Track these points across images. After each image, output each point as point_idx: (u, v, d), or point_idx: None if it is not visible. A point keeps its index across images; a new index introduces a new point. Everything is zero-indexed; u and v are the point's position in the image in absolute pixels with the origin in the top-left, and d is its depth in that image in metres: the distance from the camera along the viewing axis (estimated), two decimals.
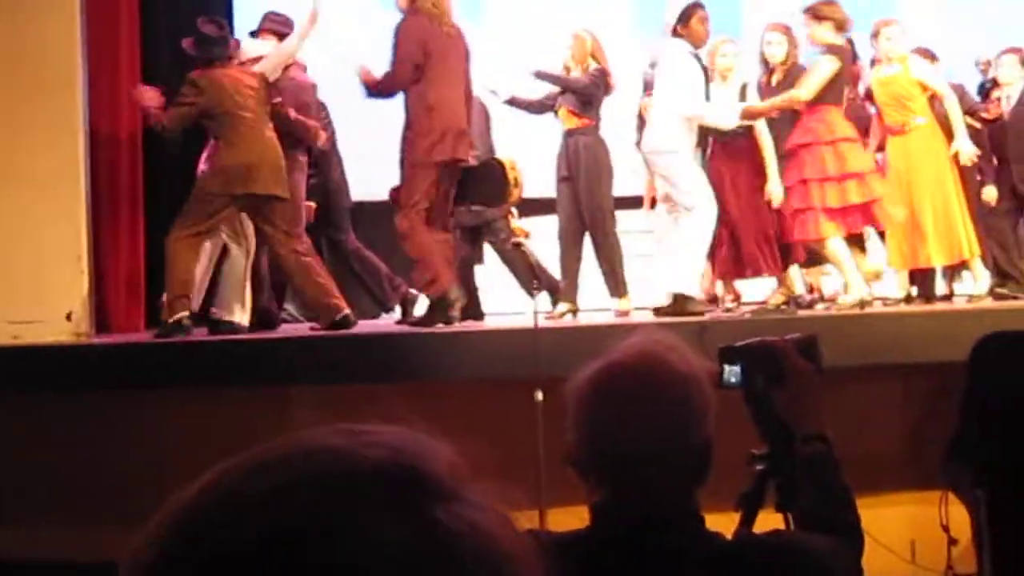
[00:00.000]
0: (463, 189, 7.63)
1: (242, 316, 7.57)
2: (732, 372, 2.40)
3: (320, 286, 7.33)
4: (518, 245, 6.23)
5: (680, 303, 7.40)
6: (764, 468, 2.45)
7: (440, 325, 7.17)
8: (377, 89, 7.42)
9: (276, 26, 8.18)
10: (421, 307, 7.75)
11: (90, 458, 6.47)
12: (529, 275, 6.11)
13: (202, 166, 7.59)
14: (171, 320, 6.99)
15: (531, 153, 8.33)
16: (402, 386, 6.49)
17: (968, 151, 8.19)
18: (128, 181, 8.33)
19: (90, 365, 6.66)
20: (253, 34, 8.22)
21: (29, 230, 7.15)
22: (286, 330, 7.91)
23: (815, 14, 7.77)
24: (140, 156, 8.41)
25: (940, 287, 8.84)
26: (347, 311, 7.28)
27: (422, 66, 7.25)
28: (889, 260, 8.40)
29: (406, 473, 0.82)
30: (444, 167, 7.34)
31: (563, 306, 7.93)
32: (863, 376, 6.50)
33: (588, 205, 8.10)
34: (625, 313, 7.99)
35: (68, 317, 7.11)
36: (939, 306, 8.31)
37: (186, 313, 7.03)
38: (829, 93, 7.67)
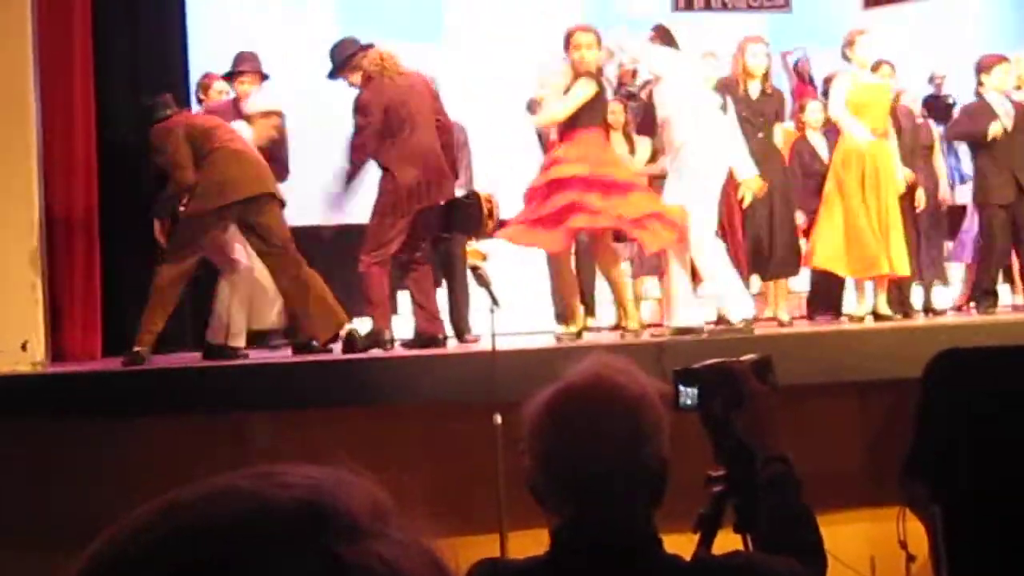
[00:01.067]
0: (442, 220, 7.79)
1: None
2: (688, 394, 2.41)
3: (321, 302, 7.38)
4: (475, 268, 6.24)
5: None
6: (722, 489, 2.46)
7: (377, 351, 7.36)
8: (352, 164, 7.60)
9: (255, 67, 8.31)
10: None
11: (45, 488, 6.41)
12: (489, 298, 6.13)
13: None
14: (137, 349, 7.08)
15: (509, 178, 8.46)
16: (361, 410, 6.48)
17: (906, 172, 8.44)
18: (83, 208, 8.29)
19: (46, 395, 6.61)
20: (228, 76, 8.28)
21: None
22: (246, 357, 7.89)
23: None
24: (95, 183, 8.38)
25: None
26: (351, 327, 7.41)
27: (386, 126, 7.44)
28: (852, 269, 8.49)
29: (314, 513, 0.82)
30: (419, 212, 7.51)
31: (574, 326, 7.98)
32: (819, 394, 6.54)
33: None
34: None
35: (23, 347, 7.05)
36: (893, 323, 8.39)
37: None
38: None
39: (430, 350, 7.39)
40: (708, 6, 10.76)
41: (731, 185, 7.95)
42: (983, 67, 8.98)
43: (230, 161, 7.25)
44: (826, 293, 9.07)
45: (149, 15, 9.22)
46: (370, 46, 7.71)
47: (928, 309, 9.39)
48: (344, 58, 7.72)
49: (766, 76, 8.49)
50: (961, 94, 10.05)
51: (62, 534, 5.83)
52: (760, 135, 8.35)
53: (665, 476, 2.16)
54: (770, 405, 2.42)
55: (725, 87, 8.30)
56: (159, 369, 6.97)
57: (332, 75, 7.80)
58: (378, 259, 7.47)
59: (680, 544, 2.24)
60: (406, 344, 7.64)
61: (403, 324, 8.17)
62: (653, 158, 8.96)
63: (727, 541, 2.45)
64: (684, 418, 2.39)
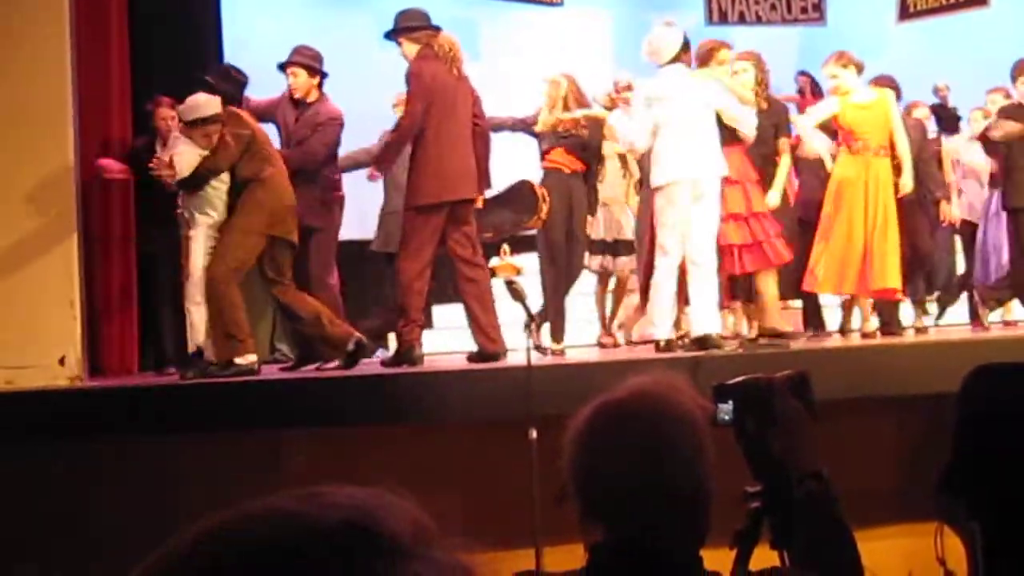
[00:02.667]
0: (494, 212, 7.95)
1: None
2: (725, 410, 2.40)
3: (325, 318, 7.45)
4: (511, 283, 6.23)
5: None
6: (758, 505, 2.44)
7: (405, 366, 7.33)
8: (389, 143, 7.66)
9: (306, 60, 8.19)
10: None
11: (86, 503, 6.44)
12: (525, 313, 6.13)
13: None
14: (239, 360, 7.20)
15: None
16: (399, 428, 6.49)
17: (911, 185, 8.40)
18: (120, 224, 8.31)
19: (84, 409, 6.63)
20: (281, 67, 8.21)
21: (21, 274, 7.14)
22: (276, 372, 7.91)
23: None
24: (132, 199, 8.41)
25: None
26: (360, 337, 7.43)
27: (430, 108, 7.43)
28: (846, 286, 8.47)
29: (360, 534, 0.83)
30: (452, 208, 7.47)
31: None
32: (856, 409, 6.50)
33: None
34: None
35: (61, 362, 7.09)
36: (931, 337, 8.35)
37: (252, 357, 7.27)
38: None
39: (468, 365, 7.40)
40: (743, 20, 10.77)
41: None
42: (1020, 71, 8.89)
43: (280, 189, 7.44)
44: (812, 311, 9.09)
45: (187, 34, 9.29)
46: (440, 29, 7.65)
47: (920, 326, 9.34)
48: (410, 26, 7.61)
49: (760, 90, 8.45)
50: (964, 105, 10.08)
51: (99, 551, 5.86)
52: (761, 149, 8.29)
53: (709, 495, 2.13)
54: (805, 422, 2.40)
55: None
56: (197, 384, 6.99)
57: (389, 35, 7.71)
58: (418, 260, 7.42)
59: (718, 560, 2.22)
60: (470, 358, 7.58)
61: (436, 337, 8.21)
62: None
63: (764, 557, 2.44)
64: (722, 433, 2.38)
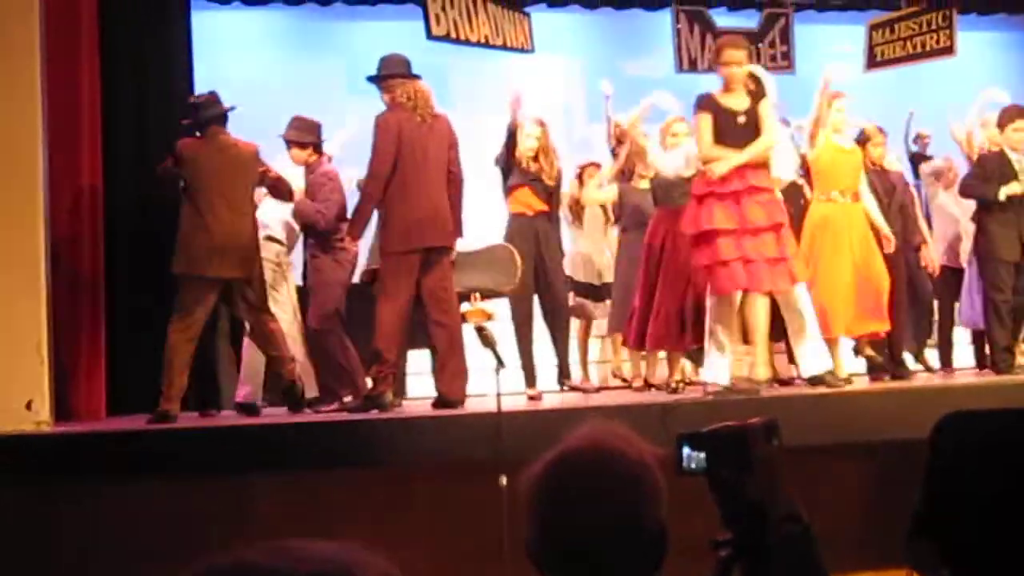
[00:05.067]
0: (469, 273, 7.93)
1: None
2: (694, 458, 2.40)
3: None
4: (480, 329, 6.23)
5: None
6: (728, 553, 2.44)
7: (375, 412, 7.34)
8: (358, 208, 7.69)
9: (294, 135, 8.43)
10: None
11: (52, 549, 6.37)
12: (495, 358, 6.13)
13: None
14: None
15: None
16: (368, 471, 6.46)
17: (894, 242, 8.53)
18: (89, 268, 8.32)
19: (51, 454, 6.58)
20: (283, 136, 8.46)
21: None
22: (233, 417, 7.96)
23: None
24: (101, 243, 8.42)
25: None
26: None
27: (398, 157, 7.48)
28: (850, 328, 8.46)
29: None
30: (425, 252, 7.50)
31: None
32: (825, 455, 6.52)
33: None
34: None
35: (28, 406, 7.04)
36: (901, 384, 8.37)
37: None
38: None
39: (439, 411, 7.39)
40: (712, 68, 10.83)
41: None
42: (1007, 119, 8.88)
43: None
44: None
45: (157, 75, 9.28)
46: (417, 77, 7.76)
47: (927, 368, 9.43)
48: (385, 75, 7.77)
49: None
50: (937, 151, 10.21)
51: None
52: None
53: (664, 542, 2.15)
54: (780, 465, 2.41)
55: None
56: (162, 429, 6.98)
57: (372, 79, 7.83)
58: (394, 309, 7.44)
59: None
60: (434, 404, 7.59)
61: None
62: None
63: None
64: (685, 482, 2.38)
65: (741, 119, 7.60)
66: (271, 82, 10.55)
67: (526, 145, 8.60)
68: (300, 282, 8.63)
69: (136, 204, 8.91)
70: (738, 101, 7.68)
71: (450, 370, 7.55)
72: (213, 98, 7.84)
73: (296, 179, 8.27)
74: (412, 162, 7.51)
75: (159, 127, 8.54)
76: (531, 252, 8.50)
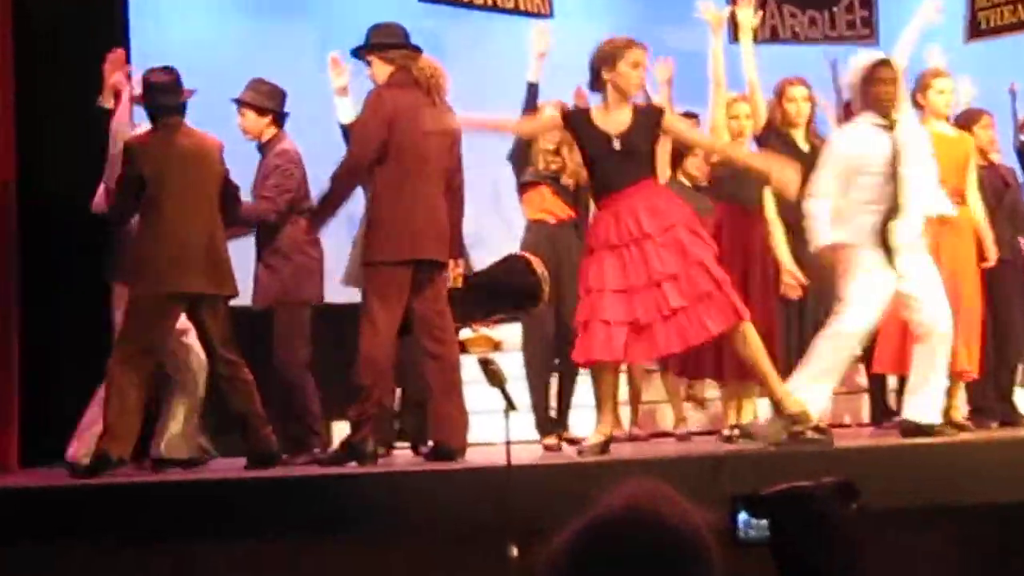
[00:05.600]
0: (482, 298, 7.86)
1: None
2: (753, 525, 2.42)
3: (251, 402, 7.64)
4: (487, 363, 6.20)
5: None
6: None
7: (353, 464, 7.32)
8: (334, 183, 7.63)
9: (253, 97, 8.40)
10: None
11: None
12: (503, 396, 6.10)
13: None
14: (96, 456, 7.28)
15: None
16: (343, 541, 6.45)
17: (995, 252, 8.56)
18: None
19: None
20: (237, 101, 8.39)
21: None
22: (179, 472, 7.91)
23: None
24: (14, 253, 8.50)
25: None
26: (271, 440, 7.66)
27: (391, 145, 7.44)
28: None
29: None
30: (417, 266, 7.43)
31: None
32: (909, 520, 6.52)
33: None
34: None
35: None
36: (1002, 434, 8.35)
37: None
38: None
39: (436, 464, 7.39)
40: (775, 38, 10.84)
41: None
42: None
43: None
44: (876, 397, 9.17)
45: (84, 40, 9.29)
46: (420, 50, 7.73)
47: None
48: (384, 43, 7.74)
49: (809, 123, 8.57)
50: None
51: None
52: None
53: None
54: (856, 536, 2.42)
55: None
56: (89, 485, 6.99)
57: (356, 52, 7.85)
58: (380, 336, 7.38)
59: None
60: (427, 455, 7.59)
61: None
62: None
63: None
64: (743, 555, 2.39)
65: None
66: (223, 49, 10.52)
67: (546, 135, 8.47)
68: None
69: (60, 205, 8.73)
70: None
71: (447, 413, 7.52)
72: (173, 80, 7.81)
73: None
74: (412, 154, 7.46)
75: (89, 106, 8.45)
76: (550, 268, 8.38)
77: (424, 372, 7.63)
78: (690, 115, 9.19)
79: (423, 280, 7.48)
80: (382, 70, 7.66)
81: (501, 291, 8.05)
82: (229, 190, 7.89)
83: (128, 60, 8.56)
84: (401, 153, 7.46)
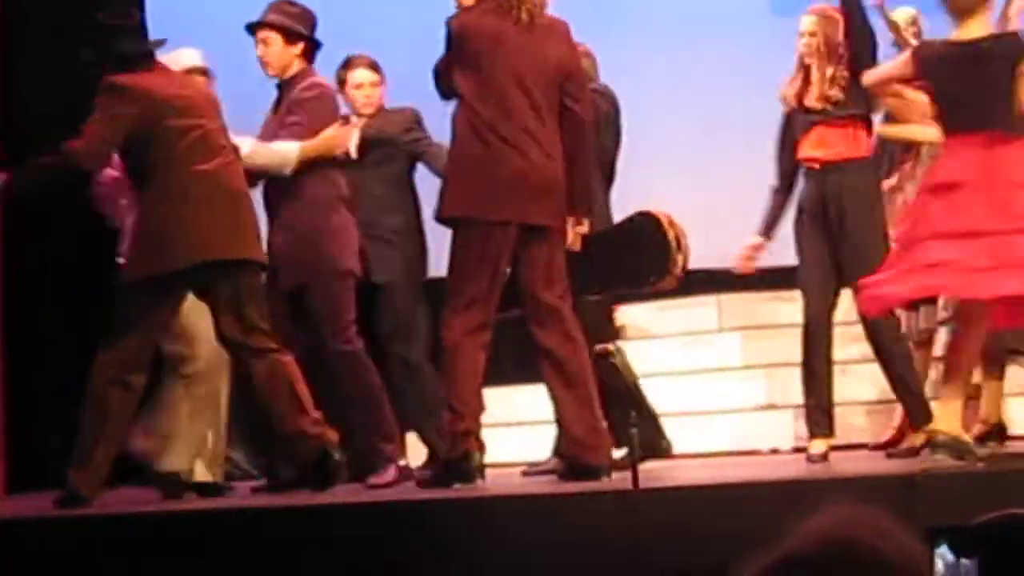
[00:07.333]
0: (598, 266, 7.77)
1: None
2: (956, 566, 2.37)
3: (296, 404, 7.42)
4: (605, 355, 6.12)
5: None
6: None
7: (457, 486, 7.17)
8: None
9: (283, 20, 8.29)
10: None
11: None
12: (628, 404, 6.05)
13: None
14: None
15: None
16: None
17: None
18: None
19: None
20: (250, 29, 8.36)
21: None
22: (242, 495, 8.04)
23: None
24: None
25: None
26: (332, 450, 7.44)
27: (476, 79, 7.33)
28: None
29: None
30: (521, 233, 7.31)
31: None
32: None
33: None
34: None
35: None
36: None
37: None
38: None
39: (545, 487, 7.36)
40: None
41: None
42: None
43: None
44: None
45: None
46: None
47: None
48: None
49: None
50: None
51: None
52: None
53: None
54: None
55: None
56: (82, 516, 7.29)
57: None
58: (463, 314, 7.33)
59: None
60: (561, 474, 7.50)
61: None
62: None
63: None
64: None
65: None
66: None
67: None
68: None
69: (50, 198, 8.90)
70: None
71: (572, 418, 7.38)
72: (134, 23, 7.85)
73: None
74: (506, 90, 7.29)
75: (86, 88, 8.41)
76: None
77: (541, 369, 7.54)
78: None
79: (530, 248, 7.38)
80: None
81: (620, 259, 7.82)
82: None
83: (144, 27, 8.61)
84: (493, 89, 7.35)
